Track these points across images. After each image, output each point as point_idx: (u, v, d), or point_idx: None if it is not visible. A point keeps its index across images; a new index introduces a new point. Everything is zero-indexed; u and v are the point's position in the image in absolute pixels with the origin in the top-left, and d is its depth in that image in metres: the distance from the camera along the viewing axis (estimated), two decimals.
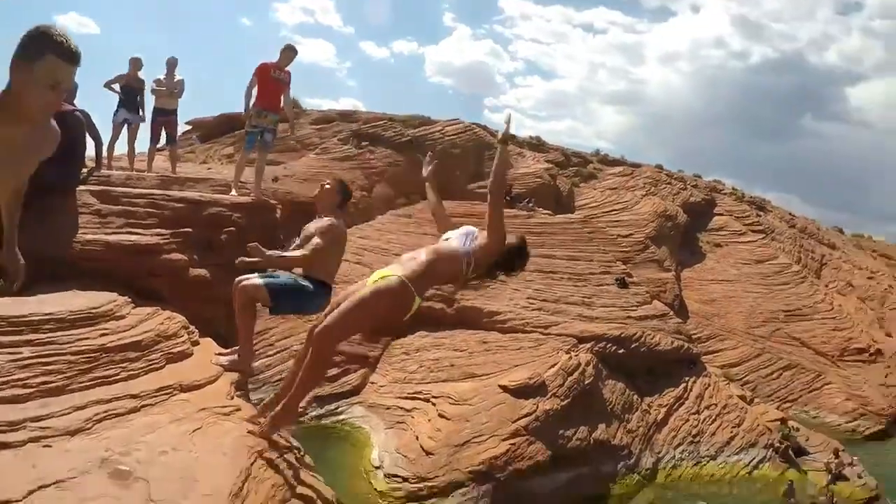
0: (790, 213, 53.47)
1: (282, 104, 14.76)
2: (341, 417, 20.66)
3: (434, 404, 19.85)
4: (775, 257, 42.49)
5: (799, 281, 41.07)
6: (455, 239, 6.07)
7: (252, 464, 7.72)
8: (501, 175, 5.88)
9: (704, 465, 23.67)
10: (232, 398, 8.69)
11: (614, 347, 23.18)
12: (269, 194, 21.73)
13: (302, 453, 9.80)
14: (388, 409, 20.47)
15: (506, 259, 6.09)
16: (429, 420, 19.28)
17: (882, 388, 35.07)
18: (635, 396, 22.88)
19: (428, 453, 18.15)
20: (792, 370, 33.74)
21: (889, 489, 25.74)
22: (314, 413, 20.40)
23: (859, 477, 25.80)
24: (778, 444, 25.31)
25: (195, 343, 9.09)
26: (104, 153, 13.70)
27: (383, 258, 25.06)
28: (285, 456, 8.48)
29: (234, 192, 14.16)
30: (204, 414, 7.88)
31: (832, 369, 35.04)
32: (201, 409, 7.87)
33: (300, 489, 8.28)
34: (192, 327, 9.30)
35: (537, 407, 19.10)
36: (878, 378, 35.79)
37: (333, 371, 21.18)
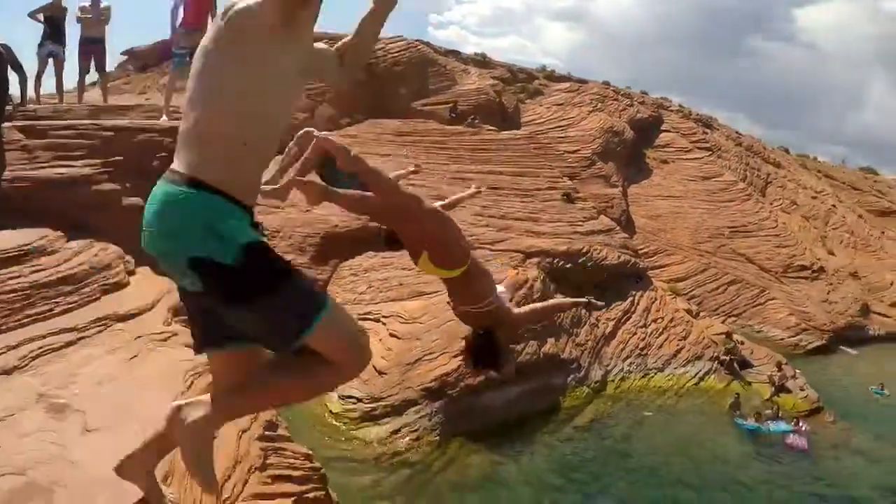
0: (736, 132, 53.81)
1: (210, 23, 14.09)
2: None
3: (384, 324, 19.83)
4: (721, 175, 42.90)
5: (744, 198, 41.61)
6: None
7: (189, 387, 7.66)
8: None
9: (652, 377, 24.26)
10: (169, 324, 8.54)
11: (562, 262, 23.33)
12: None
13: None
14: None
15: None
16: (380, 340, 19.22)
17: (824, 304, 36.12)
18: (583, 311, 23.12)
19: (380, 373, 18.21)
20: (737, 285, 34.47)
21: (830, 401, 26.68)
22: None
23: (801, 389, 26.68)
24: (723, 357, 26.01)
25: (131, 273, 8.90)
26: (30, 89, 13.06)
27: None
28: None
29: (164, 117, 13.70)
30: (141, 342, 7.73)
31: (776, 285, 35.88)
32: (138, 338, 7.72)
33: None
34: (128, 257, 9.11)
35: None
36: (821, 295, 36.81)
37: None
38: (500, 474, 17.16)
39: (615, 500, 17.65)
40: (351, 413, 17.53)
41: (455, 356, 18.38)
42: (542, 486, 17.16)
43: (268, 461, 7.71)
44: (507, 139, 30.99)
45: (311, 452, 8.58)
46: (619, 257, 25.39)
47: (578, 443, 20.01)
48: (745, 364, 26.90)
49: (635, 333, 24.64)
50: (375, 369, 18.27)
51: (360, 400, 17.72)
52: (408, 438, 17.26)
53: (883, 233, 48.61)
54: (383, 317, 20.03)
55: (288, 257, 19.40)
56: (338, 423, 17.35)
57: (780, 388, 26.28)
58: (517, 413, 19.40)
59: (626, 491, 18.14)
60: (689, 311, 27.43)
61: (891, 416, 27.63)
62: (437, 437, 17.60)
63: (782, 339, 33.78)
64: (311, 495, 7.85)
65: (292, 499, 7.47)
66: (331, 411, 17.69)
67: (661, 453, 20.36)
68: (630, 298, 25.27)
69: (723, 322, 29.45)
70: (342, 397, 17.88)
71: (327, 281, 22.32)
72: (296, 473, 7.92)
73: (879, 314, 39.56)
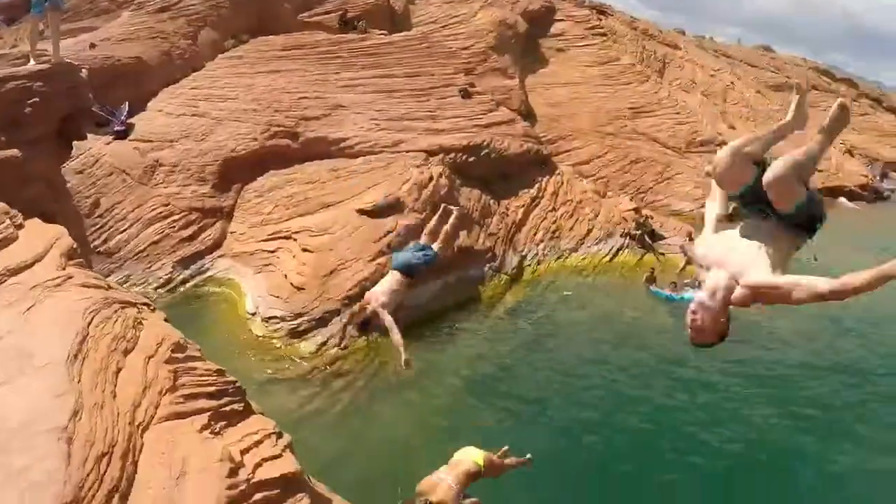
0: (631, 17, 53.85)
1: None
2: (209, 274, 20.16)
3: (296, 240, 19.65)
4: (618, 59, 43.01)
5: (642, 80, 41.96)
6: None
7: (89, 324, 7.53)
8: None
9: (566, 258, 24.78)
10: (63, 268, 8.30)
11: (464, 157, 23.37)
12: (89, 62, 20.08)
13: (152, 307, 9.57)
14: (252, 254, 20.09)
15: None
16: (294, 256, 19.12)
17: None
18: (492, 201, 23.36)
19: (299, 289, 18.14)
20: (641, 163, 35.06)
21: None
22: (180, 277, 19.82)
23: None
24: (634, 232, 26.64)
25: (20, 226, 8.58)
26: None
27: (220, 105, 23.98)
28: (125, 311, 8.29)
29: (32, 62, 12.98)
30: (36, 291, 7.53)
31: (680, 160, 36.59)
32: (33, 288, 7.51)
33: (147, 338, 8.13)
34: (13, 211, 8.74)
35: (397, 224, 19.24)
36: None
37: (190, 229, 20.54)
38: (433, 368, 17.43)
39: (548, 374, 18.19)
40: (277, 333, 17.49)
41: (371, 260, 18.44)
42: (476, 373, 17.59)
43: (178, 381, 7.67)
44: (399, 41, 30.47)
45: (223, 368, 8.57)
46: (521, 146, 25.53)
47: (504, 328, 20.49)
48: (656, 237, 27.65)
49: (545, 218, 25.01)
50: (294, 286, 18.20)
51: (282, 319, 17.68)
52: (335, 349, 17.29)
53: (781, 106, 49.87)
54: (294, 233, 19.83)
55: (189, 189, 18.96)
56: (265, 345, 17.28)
57: (692, 259, 27.14)
58: (440, 307, 19.71)
59: (556, 364, 18.72)
60: (596, 192, 27.90)
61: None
62: (365, 343, 17.71)
63: (691, 211, 34.71)
64: (228, 408, 7.86)
65: (208, 414, 7.48)
66: (256, 335, 17.61)
67: (585, 327, 21.04)
68: (537, 184, 25.56)
69: (631, 199, 30.00)
70: (265, 319, 17.82)
71: (233, 207, 21.84)
72: (209, 389, 7.91)
73: None
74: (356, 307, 10.23)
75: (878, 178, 48.34)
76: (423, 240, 10.91)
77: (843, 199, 43.27)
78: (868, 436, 16.41)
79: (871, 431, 16.57)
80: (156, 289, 18.88)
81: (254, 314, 18.18)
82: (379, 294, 9.54)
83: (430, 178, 20.98)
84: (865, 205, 44.03)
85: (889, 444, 15.88)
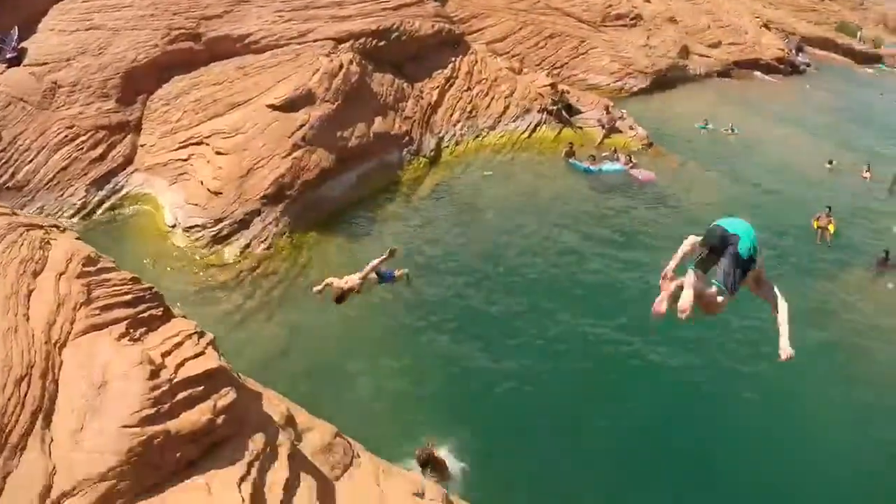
0: None
1: None
2: (124, 192, 19.27)
3: (208, 145, 18.95)
4: None
5: None
6: None
7: None
8: None
9: (485, 136, 24.69)
10: None
11: (374, 41, 22.61)
12: None
13: (62, 228, 9.17)
14: (165, 165, 19.31)
15: None
16: (208, 162, 18.49)
17: (644, 48, 37.02)
18: (406, 85, 22.86)
19: (216, 194, 17.64)
20: (556, 38, 34.63)
21: (659, 137, 28.19)
22: (95, 199, 18.96)
23: (631, 129, 27.89)
24: (551, 107, 26.54)
25: None
26: None
27: (115, 15, 22.55)
28: (31, 233, 7.97)
29: None
30: None
31: (595, 35, 36.29)
32: None
33: (56, 257, 7.82)
34: None
35: (309, 115, 18.70)
36: (640, 40, 37.66)
37: (99, 149, 19.57)
38: (359, 256, 17.31)
39: (473, 246, 18.54)
40: (199, 242, 17.08)
41: (286, 155, 17.97)
42: (406, 257, 17.51)
43: (92, 294, 7.53)
44: None
45: (137, 276, 8.35)
46: (433, 27, 24.82)
47: (427, 209, 20.53)
48: (573, 111, 27.65)
49: (461, 98, 24.68)
50: (211, 192, 17.67)
51: (203, 226, 17.25)
52: (260, 248, 17.09)
53: None
54: (205, 138, 19.08)
55: (93, 107, 17.87)
56: (189, 256, 16.87)
57: (611, 130, 27.37)
58: (360, 195, 19.54)
59: (480, 235, 19.21)
60: (511, 69, 27.53)
61: (714, 147, 29.79)
62: (289, 239, 17.51)
63: (607, 85, 34.75)
64: (146, 315, 7.73)
65: (125, 322, 7.35)
66: (179, 246, 17.14)
67: (508, 202, 21.29)
68: (451, 65, 25.05)
69: (547, 74, 29.71)
70: (186, 229, 17.33)
71: (140, 119, 20.85)
72: (126, 298, 7.77)
73: (700, 55, 41.11)
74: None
75: (793, 52, 49.00)
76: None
77: (759, 73, 44.04)
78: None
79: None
80: (72, 216, 18.07)
81: (174, 226, 17.66)
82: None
83: (341, 67, 20.29)
84: (781, 78, 44.84)
85: None
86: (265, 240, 17.24)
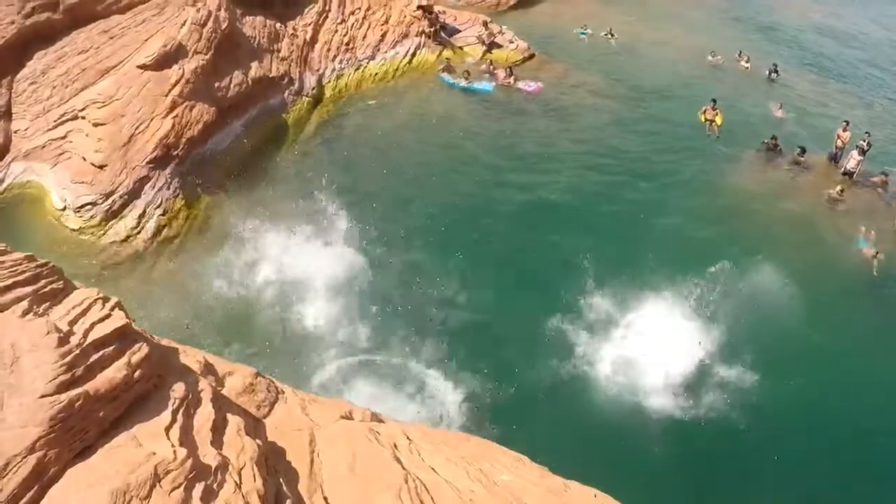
0: None
1: None
2: (6, 184, 18.45)
3: (84, 118, 18.28)
4: None
5: None
6: None
7: None
8: None
9: (365, 67, 24.58)
10: None
11: None
12: None
13: None
14: (43, 147, 18.56)
15: None
16: (87, 135, 17.86)
17: None
18: (278, 25, 22.40)
19: (101, 167, 17.14)
20: None
21: (540, 47, 28.56)
22: None
23: (511, 42, 28.09)
24: (427, 30, 26.50)
25: None
26: None
27: None
28: None
29: None
30: None
31: None
32: None
33: None
34: None
35: (183, 70, 18.20)
36: None
37: None
38: (256, 206, 17.37)
39: (368, 187, 18.69)
40: (93, 220, 16.70)
41: (166, 115, 17.58)
42: (302, 201, 17.68)
43: None
44: None
45: (32, 254, 8.25)
46: None
47: (317, 148, 20.64)
48: (451, 31, 27.69)
49: (336, 31, 24.37)
50: (95, 166, 17.16)
51: (94, 203, 16.82)
52: (156, 216, 16.84)
53: None
54: (80, 111, 18.37)
55: None
56: (83, 238, 16.52)
57: (491, 45, 27.57)
58: (249, 145, 19.40)
59: (370, 169, 19.57)
60: None
61: (596, 52, 30.43)
62: (183, 201, 17.29)
63: (483, 1, 34.82)
64: (47, 289, 7.67)
65: (27, 300, 7.28)
66: (73, 229, 16.71)
67: (395, 130, 21.76)
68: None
69: None
70: (76, 209, 16.82)
71: (8, 104, 19.93)
72: (23, 277, 7.66)
73: None
74: None
75: None
76: None
77: None
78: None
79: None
80: None
81: (64, 209, 17.13)
82: None
83: (209, 15, 19.65)
84: None
85: None
86: (159, 205, 16.97)
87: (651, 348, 14.24)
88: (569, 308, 15.27)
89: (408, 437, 8.48)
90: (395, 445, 8.13)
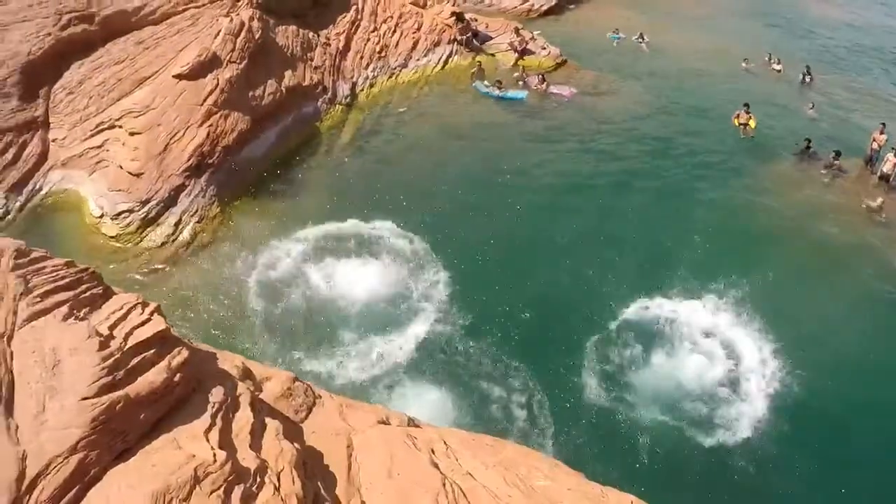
0: None
1: None
2: (44, 192, 18.68)
3: (121, 126, 18.53)
4: None
5: None
6: None
7: None
8: None
9: (398, 75, 24.62)
10: None
11: None
12: None
13: None
14: (80, 156, 18.81)
15: None
16: (123, 144, 18.08)
17: None
18: (310, 34, 22.55)
19: (138, 175, 17.32)
20: None
21: (573, 55, 28.45)
22: (16, 205, 18.39)
23: (543, 49, 28.03)
24: (460, 37, 26.55)
25: None
26: None
27: (1, 10, 21.72)
28: None
29: None
30: None
31: None
32: None
33: None
34: None
35: (218, 80, 18.40)
36: None
37: (10, 152, 18.86)
38: (290, 213, 17.45)
39: (408, 199, 18.51)
40: (129, 227, 16.84)
41: (201, 124, 17.75)
42: (337, 206, 17.78)
43: (31, 284, 7.46)
44: None
45: (71, 260, 8.33)
46: None
47: (351, 157, 20.62)
48: (483, 38, 27.71)
49: (369, 40, 24.49)
50: (132, 174, 17.34)
51: (131, 211, 16.99)
52: (192, 223, 16.98)
53: None
54: (116, 120, 18.62)
55: None
56: (119, 244, 16.64)
57: (524, 52, 27.54)
58: (282, 153, 19.50)
59: (412, 175, 19.59)
60: (415, 3, 27.36)
61: (628, 56, 30.32)
62: (218, 209, 17.43)
63: (514, 8, 34.80)
64: (87, 295, 7.73)
65: (68, 304, 7.35)
66: (110, 236, 16.84)
67: (428, 131, 21.91)
68: (353, 7, 24.79)
69: (452, 4, 29.62)
70: (114, 217, 16.99)
71: (45, 114, 20.25)
72: (64, 282, 7.73)
73: None
74: None
75: None
76: None
77: None
78: None
79: None
80: None
81: (101, 217, 17.29)
82: None
83: (242, 25, 19.86)
84: None
85: None
86: (195, 213, 17.12)
87: (694, 359, 14.12)
88: (613, 315, 15.22)
89: (445, 443, 8.44)
90: (433, 450, 8.09)
